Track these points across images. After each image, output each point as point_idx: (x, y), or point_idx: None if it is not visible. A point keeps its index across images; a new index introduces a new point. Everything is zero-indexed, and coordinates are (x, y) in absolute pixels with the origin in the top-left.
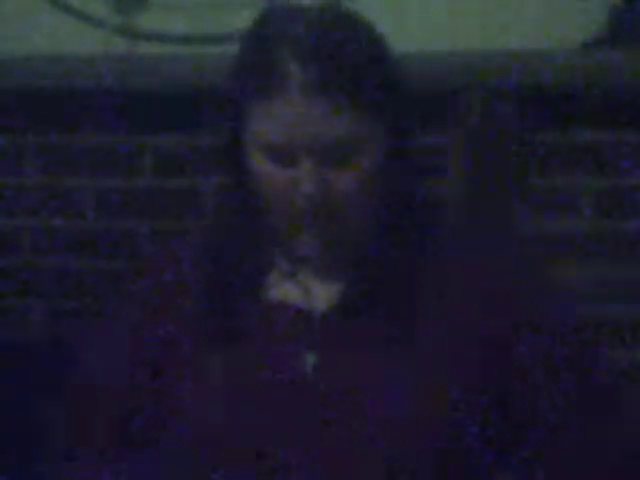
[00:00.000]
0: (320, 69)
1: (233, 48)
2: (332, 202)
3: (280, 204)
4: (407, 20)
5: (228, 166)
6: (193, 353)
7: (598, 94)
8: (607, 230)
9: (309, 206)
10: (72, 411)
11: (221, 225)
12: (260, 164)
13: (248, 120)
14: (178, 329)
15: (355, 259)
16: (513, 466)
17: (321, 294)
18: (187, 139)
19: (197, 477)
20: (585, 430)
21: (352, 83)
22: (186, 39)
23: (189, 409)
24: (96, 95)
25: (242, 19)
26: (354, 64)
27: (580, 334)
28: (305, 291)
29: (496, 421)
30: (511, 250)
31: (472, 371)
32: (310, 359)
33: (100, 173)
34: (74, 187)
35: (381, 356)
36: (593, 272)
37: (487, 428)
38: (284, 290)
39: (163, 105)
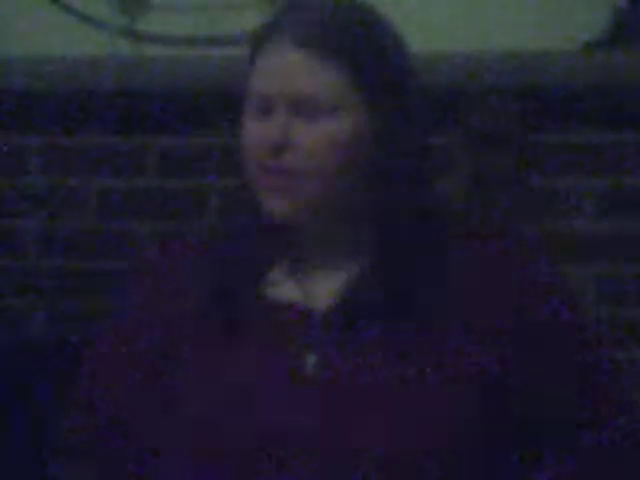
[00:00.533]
0: (310, 25)
1: (237, 49)
2: (300, 156)
3: (253, 159)
4: (407, 20)
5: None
6: (193, 352)
7: (600, 94)
8: (608, 231)
9: (278, 159)
10: (73, 413)
11: (222, 224)
12: (245, 118)
13: (248, 82)
14: (179, 328)
15: (355, 255)
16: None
17: (321, 293)
18: (191, 140)
19: (196, 474)
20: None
21: (336, 43)
22: (189, 41)
23: (189, 408)
24: (99, 97)
25: (245, 21)
26: (347, 30)
27: (583, 333)
28: (305, 289)
29: (497, 418)
30: (513, 249)
31: (475, 369)
32: (310, 358)
33: (102, 173)
34: (76, 187)
35: (382, 355)
36: (594, 272)
37: (489, 425)
38: (284, 289)
39: (167, 106)
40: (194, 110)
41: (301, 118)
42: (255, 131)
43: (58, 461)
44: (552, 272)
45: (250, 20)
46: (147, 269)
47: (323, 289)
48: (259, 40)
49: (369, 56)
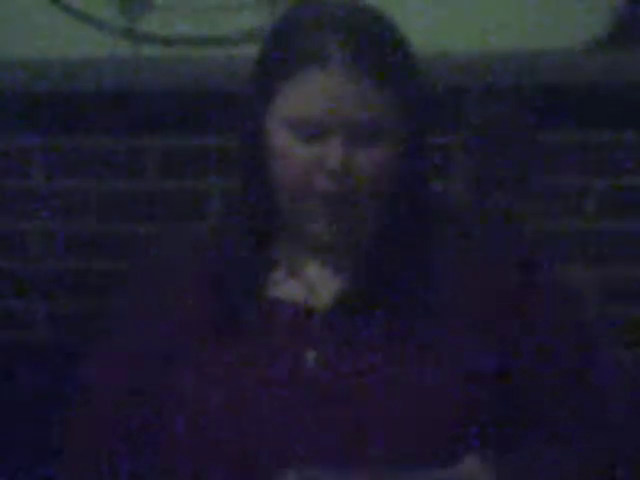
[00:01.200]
0: (359, 48)
1: (237, 49)
2: (353, 183)
3: (299, 183)
4: (408, 19)
5: (244, 153)
6: (195, 351)
7: (600, 94)
8: (608, 230)
9: (332, 184)
10: (74, 411)
11: (225, 224)
12: (284, 141)
13: (276, 96)
14: (181, 327)
15: (361, 256)
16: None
17: (323, 292)
18: (192, 141)
19: (197, 473)
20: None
21: (386, 66)
22: (190, 41)
23: (191, 406)
24: (100, 97)
25: (245, 21)
26: (387, 49)
27: (581, 331)
28: (308, 289)
29: (494, 410)
30: (515, 249)
31: (474, 365)
32: (311, 356)
33: (103, 174)
34: (73, 188)
35: (382, 353)
36: (595, 271)
37: (487, 424)
38: (286, 288)
39: (168, 107)
40: (194, 111)
41: (358, 143)
42: (305, 156)
43: (59, 463)
44: (552, 271)
45: (249, 21)
46: (148, 269)
47: (323, 288)
48: (296, 61)
49: (407, 75)
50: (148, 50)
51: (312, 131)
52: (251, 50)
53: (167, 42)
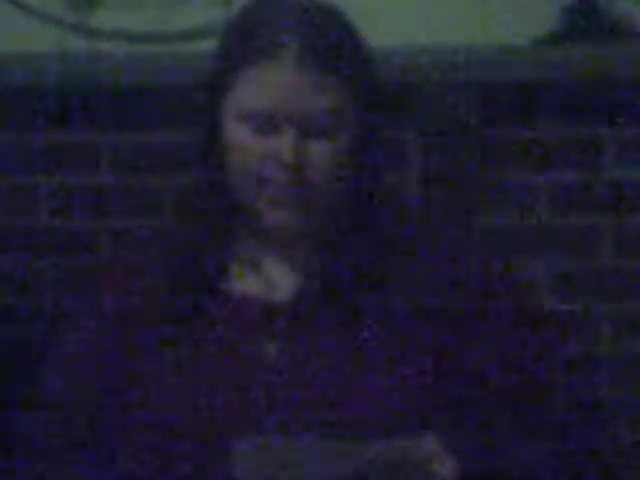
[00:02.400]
0: (311, 41)
1: (188, 46)
2: (306, 174)
3: (254, 176)
4: (357, 15)
5: (199, 147)
6: (157, 347)
7: (550, 90)
8: (562, 226)
9: (285, 175)
10: (45, 410)
11: (183, 219)
12: (238, 134)
13: (231, 89)
14: (142, 323)
15: (319, 248)
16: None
17: (282, 285)
18: (144, 137)
19: (162, 464)
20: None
21: (339, 59)
22: (141, 37)
23: (153, 402)
24: (49, 92)
25: (199, 17)
26: (340, 42)
27: (536, 323)
28: (267, 282)
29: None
30: (470, 244)
31: (433, 355)
32: (271, 349)
33: (54, 170)
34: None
35: (342, 346)
36: (547, 266)
37: (451, 412)
38: (245, 282)
39: (120, 102)
40: (146, 107)
41: (311, 135)
42: (259, 147)
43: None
44: (504, 265)
45: (201, 15)
46: (108, 266)
47: (282, 281)
48: (250, 53)
49: (363, 69)
50: (99, 45)
51: (264, 123)
52: (202, 46)
53: (117, 37)
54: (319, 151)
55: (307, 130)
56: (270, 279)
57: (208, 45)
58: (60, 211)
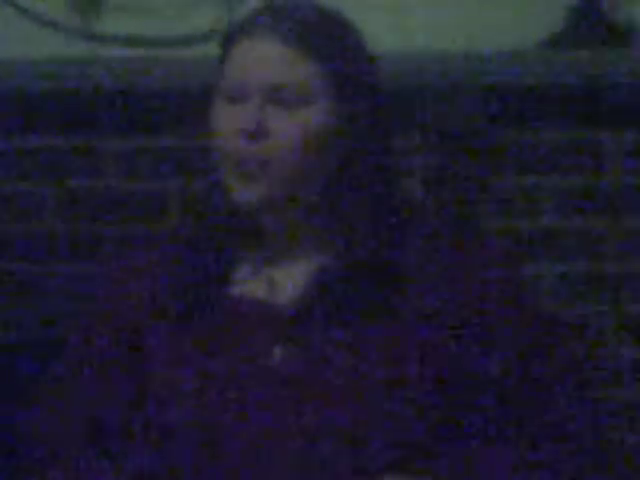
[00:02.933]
0: (285, 21)
1: (193, 50)
2: (271, 144)
3: (227, 149)
4: (370, 21)
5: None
6: (162, 351)
7: (555, 93)
8: (570, 229)
9: (246, 144)
10: (50, 411)
11: (188, 225)
12: (217, 108)
13: (219, 74)
14: (148, 327)
15: (320, 248)
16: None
17: (285, 288)
18: (147, 142)
19: (168, 466)
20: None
21: (313, 38)
22: (145, 41)
23: (160, 404)
24: (55, 97)
25: (199, 22)
26: (320, 25)
27: (544, 327)
28: (270, 285)
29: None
30: (475, 247)
31: (438, 360)
32: (276, 352)
33: (60, 176)
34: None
35: (344, 347)
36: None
37: (456, 413)
38: (249, 286)
39: (124, 107)
40: (150, 111)
41: (275, 106)
42: (228, 117)
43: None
44: (513, 270)
45: (204, 21)
46: (116, 272)
47: (287, 285)
48: (234, 33)
49: (340, 51)
50: (104, 51)
51: (235, 94)
52: (207, 50)
53: (123, 42)
54: (284, 122)
55: (274, 102)
56: (273, 282)
57: (213, 49)
58: (63, 215)
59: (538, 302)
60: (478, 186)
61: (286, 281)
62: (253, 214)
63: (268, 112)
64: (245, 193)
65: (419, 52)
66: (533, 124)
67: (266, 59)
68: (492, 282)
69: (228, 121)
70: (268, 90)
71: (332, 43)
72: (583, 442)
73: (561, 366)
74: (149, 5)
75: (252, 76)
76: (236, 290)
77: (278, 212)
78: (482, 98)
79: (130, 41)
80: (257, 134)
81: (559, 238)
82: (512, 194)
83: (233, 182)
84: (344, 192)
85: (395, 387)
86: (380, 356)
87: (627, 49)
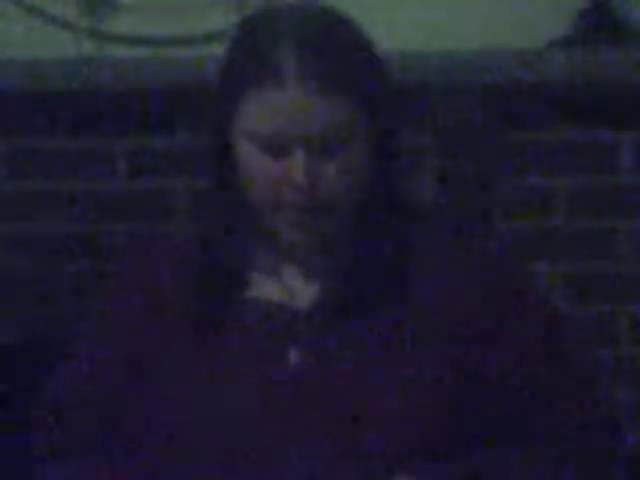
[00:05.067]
0: (315, 61)
1: (204, 49)
2: (322, 193)
3: (269, 196)
4: (372, 20)
5: (213, 161)
6: (178, 353)
7: (566, 93)
8: (580, 229)
9: (300, 198)
10: (58, 413)
11: (204, 225)
12: (250, 154)
13: (239, 110)
14: (163, 330)
15: (336, 253)
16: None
17: (303, 291)
18: (161, 141)
19: (184, 473)
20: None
21: (344, 76)
22: (157, 41)
23: (175, 407)
24: (66, 97)
25: (210, 21)
26: (347, 57)
27: (555, 330)
28: (287, 289)
29: (473, 406)
30: (490, 248)
31: (458, 364)
32: (293, 356)
33: (70, 176)
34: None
35: (362, 350)
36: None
37: (467, 414)
38: (266, 288)
39: (135, 107)
40: (162, 111)
41: (322, 155)
42: (272, 170)
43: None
44: (522, 270)
45: (215, 21)
46: (130, 272)
47: (304, 287)
48: (252, 76)
49: (370, 81)
50: (114, 50)
51: (273, 145)
52: (219, 49)
53: (133, 42)
54: (331, 169)
55: (317, 150)
56: (291, 286)
57: (223, 49)
58: (78, 215)
59: (548, 302)
60: (489, 186)
61: (302, 283)
62: (300, 250)
63: (316, 162)
64: (299, 239)
65: (429, 52)
66: (543, 124)
67: (303, 108)
68: (503, 281)
69: (272, 174)
70: (312, 140)
71: (363, 77)
72: (596, 444)
73: (571, 366)
74: (159, 5)
75: (291, 127)
76: (253, 293)
77: (330, 248)
78: (491, 97)
79: (139, 41)
80: (309, 187)
81: (568, 238)
82: (522, 194)
83: (283, 229)
84: (364, 203)
85: (409, 388)
86: (398, 360)
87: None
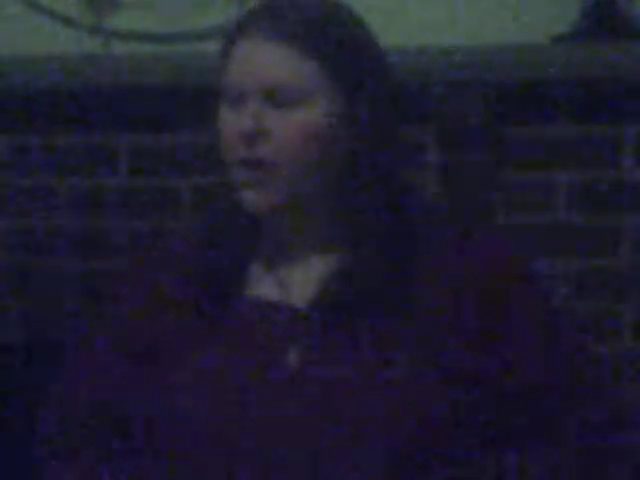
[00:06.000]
0: (282, 19)
1: (205, 46)
2: (271, 147)
3: (229, 152)
4: (379, 16)
5: (215, 159)
6: (177, 351)
7: (569, 88)
8: (581, 225)
9: (248, 150)
10: (65, 412)
11: (203, 222)
12: (220, 113)
13: (221, 74)
14: (163, 327)
15: (333, 250)
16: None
17: (300, 289)
18: (163, 138)
19: (186, 472)
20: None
21: (308, 35)
22: (157, 38)
23: (177, 405)
24: (69, 94)
25: (212, 17)
26: (316, 18)
27: (555, 327)
28: (284, 286)
29: (480, 411)
30: (490, 245)
31: (457, 364)
32: (291, 353)
33: (72, 172)
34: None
35: (363, 349)
36: (564, 266)
37: (471, 419)
38: (263, 286)
39: (138, 104)
40: (164, 108)
41: (274, 107)
42: (229, 121)
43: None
44: (523, 268)
45: (217, 16)
46: (133, 272)
47: (301, 285)
48: (233, 34)
49: (341, 47)
50: (116, 47)
51: (235, 97)
52: (219, 46)
53: (135, 39)
54: (282, 124)
55: (271, 103)
56: (289, 284)
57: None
58: (78, 212)
59: (550, 300)
60: (489, 183)
61: (300, 281)
62: (262, 216)
63: (266, 114)
64: (251, 199)
65: (432, 48)
66: (544, 120)
67: (262, 60)
68: (503, 280)
69: (229, 125)
70: (265, 91)
71: (331, 40)
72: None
73: (572, 364)
74: (161, 1)
75: (249, 78)
76: (250, 291)
77: (286, 214)
78: (496, 94)
79: (141, 38)
80: (255, 136)
81: (568, 234)
82: (526, 191)
83: (240, 188)
84: (352, 191)
85: (407, 387)
86: (394, 356)
87: None
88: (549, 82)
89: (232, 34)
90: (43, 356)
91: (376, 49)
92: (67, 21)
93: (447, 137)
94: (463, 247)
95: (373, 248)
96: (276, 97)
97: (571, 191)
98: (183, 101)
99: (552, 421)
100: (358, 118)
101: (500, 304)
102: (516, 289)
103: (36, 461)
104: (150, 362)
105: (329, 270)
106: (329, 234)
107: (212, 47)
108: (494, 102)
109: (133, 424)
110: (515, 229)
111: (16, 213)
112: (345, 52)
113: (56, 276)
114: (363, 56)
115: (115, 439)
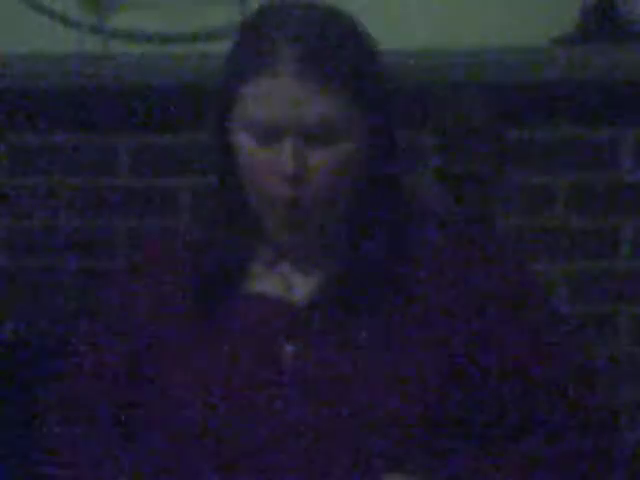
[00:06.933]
0: (309, 53)
1: (206, 46)
2: (310, 187)
3: (261, 189)
4: (379, 18)
5: (214, 158)
6: (177, 346)
7: (569, 90)
8: (581, 227)
9: (287, 189)
10: (65, 412)
11: (204, 220)
12: (246, 146)
13: (238, 102)
14: (162, 321)
15: (335, 249)
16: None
17: (301, 286)
18: (163, 138)
19: (184, 466)
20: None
21: (338, 67)
22: (157, 38)
23: (173, 399)
24: (67, 93)
25: (213, 17)
26: (344, 53)
27: (554, 322)
28: (285, 283)
29: (473, 405)
30: (490, 244)
31: (457, 363)
32: (290, 349)
33: (67, 172)
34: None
35: (360, 346)
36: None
37: (463, 412)
38: (265, 283)
39: (138, 104)
40: (164, 108)
41: (313, 146)
42: (263, 158)
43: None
44: (522, 269)
45: (218, 17)
46: (133, 268)
47: (302, 283)
48: (251, 67)
49: (367, 77)
50: (117, 47)
51: (267, 135)
52: (221, 46)
53: (135, 39)
54: (321, 163)
55: (307, 139)
56: (289, 280)
57: (226, 46)
58: (78, 211)
59: (549, 301)
60: (489, 184)
61: (301, 279)
62: (291, 249)
63: (305, 151)
64: (289, 238)
65: (433, 49)
66: (544, 122)
67: (298, 98)
68: (503, 281)
69: (265, 163)
70: (303, 130)
71: (359, 72)
72: (595, 442)
73: (571, 365)
74: (162, 1)
75: (285, 116)
76: (251, 287)
77: (317, 246)
78: (491, 96)
79: (142, 38)
80: (299, 176)
81: (568, 236)
82: (523, 192)
83: (275, 226)
84: (355, 194)
85: (405, 385)
86: (391, 354)
87: None
88: (549, 83)
89: (247, 66)
90: (43, 356)
91: (382, 63)
92: (67, 21)
93: (447, 138)
94: (462, 248)
95: (373, 248)
96: (313, 135)
97: (570, 193)
98: (183, 101)
99: (552, 421)
100: (379, 140)
101: (500, 304)
102: (517, 289)
103: (36, 461)
104: (150, 360)
105: (329, 269)
106: (330, 234)
107: (213, 47)
108: (494, 103)
109: (132, 423)
110: (515, 230)
111: (16, 213)
112: (370, 81)
113: (56, 276)
114: (381, 79)
115: (115, 438)
